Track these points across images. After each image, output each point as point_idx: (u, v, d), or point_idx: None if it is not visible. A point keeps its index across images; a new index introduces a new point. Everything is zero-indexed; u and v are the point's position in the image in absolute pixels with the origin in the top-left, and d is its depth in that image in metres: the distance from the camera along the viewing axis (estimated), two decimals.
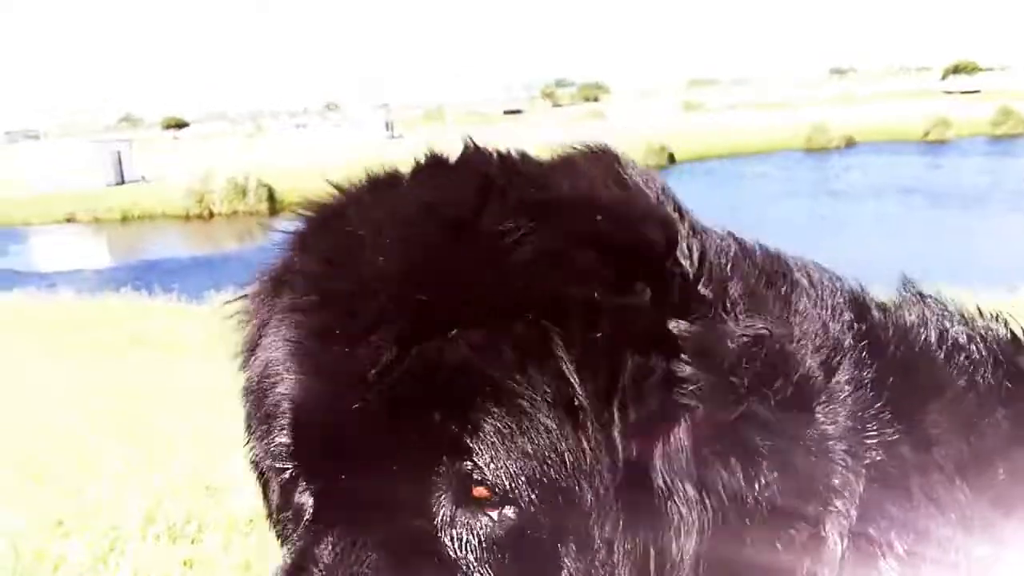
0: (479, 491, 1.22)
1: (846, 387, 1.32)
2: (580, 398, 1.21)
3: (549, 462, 1.21)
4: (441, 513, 1.24)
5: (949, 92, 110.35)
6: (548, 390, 1.21)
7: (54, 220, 51.25)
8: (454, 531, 1.24)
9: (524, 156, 1.48)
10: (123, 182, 59.76)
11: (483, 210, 1.30)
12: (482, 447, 1.20)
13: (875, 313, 1.49)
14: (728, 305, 1.29)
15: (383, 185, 1.47)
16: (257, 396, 1.39)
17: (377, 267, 1.28)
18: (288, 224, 1.50)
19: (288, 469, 1.36)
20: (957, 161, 54.99)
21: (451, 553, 1.23)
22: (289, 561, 1.30)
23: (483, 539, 1.23)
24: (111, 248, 42.85)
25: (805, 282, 1.44)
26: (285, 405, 1.32)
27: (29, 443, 6.40)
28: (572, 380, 1.20)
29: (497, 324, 1.22)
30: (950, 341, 1.47)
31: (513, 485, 1.20)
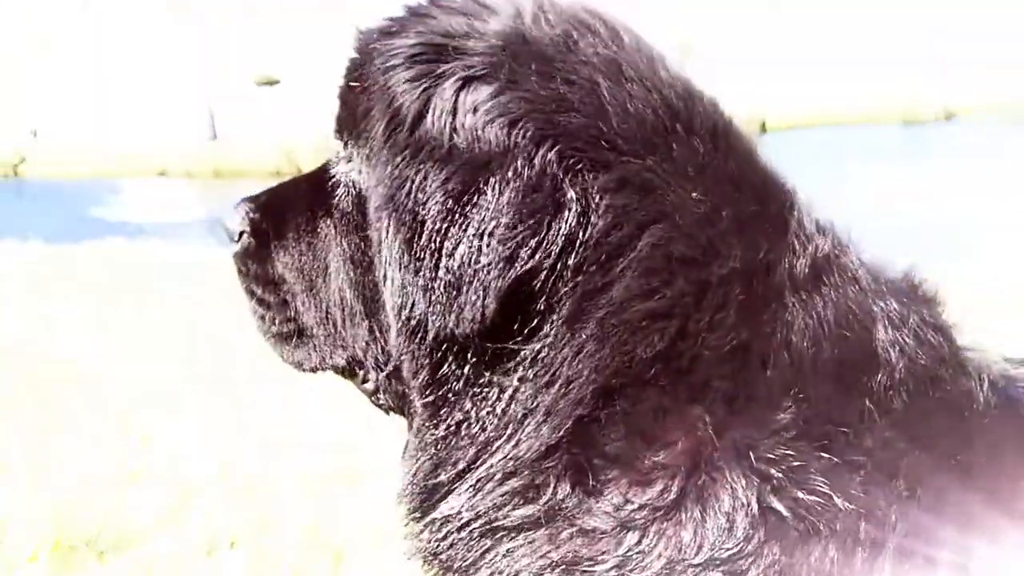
0: None
1: None
2: None
3: None
4: None
5: None
6: None
7: (148, 172, 52.53)
8: None
9: None
10: (215, 138, 60.90)
11: None
12: None
13: None
14: None
15: None
16: None
17: None
18: None
19: None
20: None
21: None
22: None
23: None
24: (203, 201, 43.80)
25: None
26: None
27: (111, 390, 6.54)
28: None
29: None
30: None
31: None
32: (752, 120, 56.06)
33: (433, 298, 1.28)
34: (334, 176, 1.47)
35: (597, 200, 1.22)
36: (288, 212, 1.60)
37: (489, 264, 1.23)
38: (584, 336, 1.19)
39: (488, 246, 1.23)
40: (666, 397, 1.16)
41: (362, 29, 1.46)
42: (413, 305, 1.31)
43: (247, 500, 4.27)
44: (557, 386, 1.20)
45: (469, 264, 1.24)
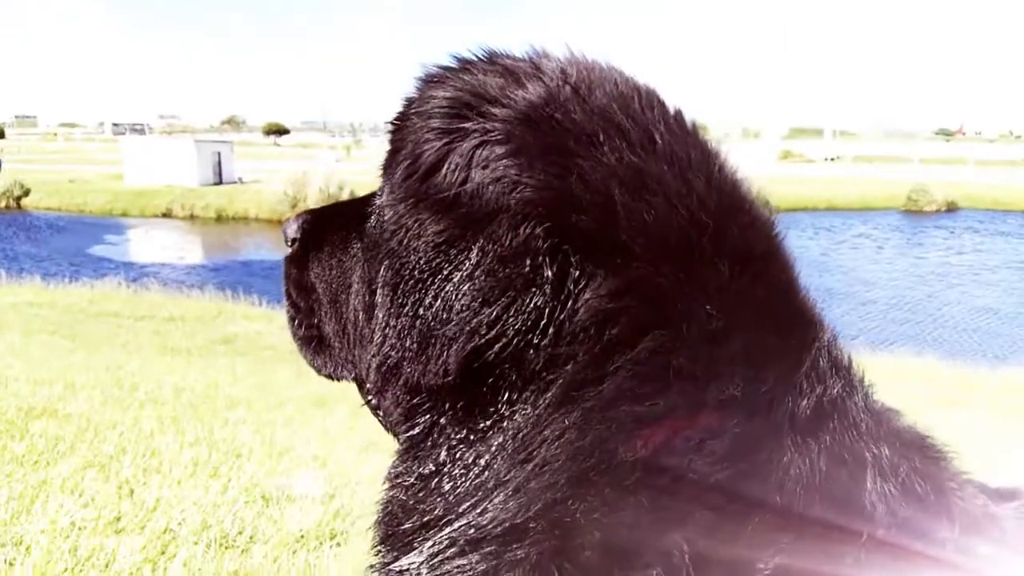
0: None
1: None
2: None
3: None
4: None
5: None
6: None
7: (151, 214, 52.85)
8: None
9: None
10: (220, 182, 61.33)
11: None
12: None
13: None
14: None
15: None
16: None
17: None
18: None
19: None
20: None
21: None
22: None
23: None
24: (203, 245, 43.92)
25: None
26: None
27: (97, 435, 6.51)
28: None
29: None
30: None
31: None
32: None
33: (406, 344, 1.30)
34: (373, 204, 1.49)
35: (591, 291, 1.20)
36: (332, 227, 1.66)
37: (453, 326, 1.24)
38: (567, 423, 1.17)
39: (455, 309, 1.24)
40: (644, 513, 1.10)
41: (420, 74, 1.48)
42: (391, 347, 1.33)
43: (229, 553, 4.24)
44: (532, 465, 1.17)
45: (439, 320, 1.25)
